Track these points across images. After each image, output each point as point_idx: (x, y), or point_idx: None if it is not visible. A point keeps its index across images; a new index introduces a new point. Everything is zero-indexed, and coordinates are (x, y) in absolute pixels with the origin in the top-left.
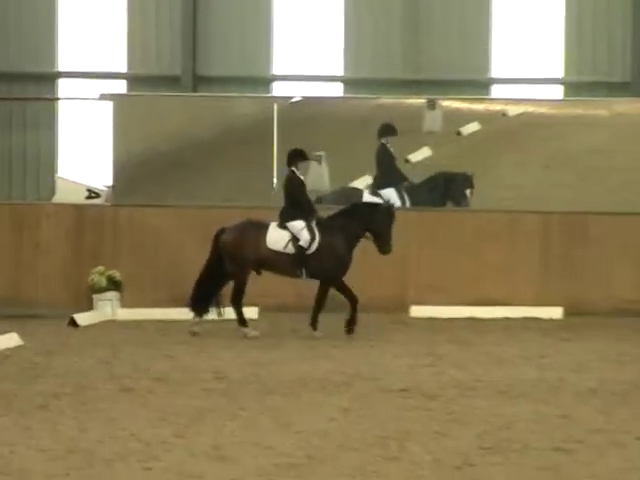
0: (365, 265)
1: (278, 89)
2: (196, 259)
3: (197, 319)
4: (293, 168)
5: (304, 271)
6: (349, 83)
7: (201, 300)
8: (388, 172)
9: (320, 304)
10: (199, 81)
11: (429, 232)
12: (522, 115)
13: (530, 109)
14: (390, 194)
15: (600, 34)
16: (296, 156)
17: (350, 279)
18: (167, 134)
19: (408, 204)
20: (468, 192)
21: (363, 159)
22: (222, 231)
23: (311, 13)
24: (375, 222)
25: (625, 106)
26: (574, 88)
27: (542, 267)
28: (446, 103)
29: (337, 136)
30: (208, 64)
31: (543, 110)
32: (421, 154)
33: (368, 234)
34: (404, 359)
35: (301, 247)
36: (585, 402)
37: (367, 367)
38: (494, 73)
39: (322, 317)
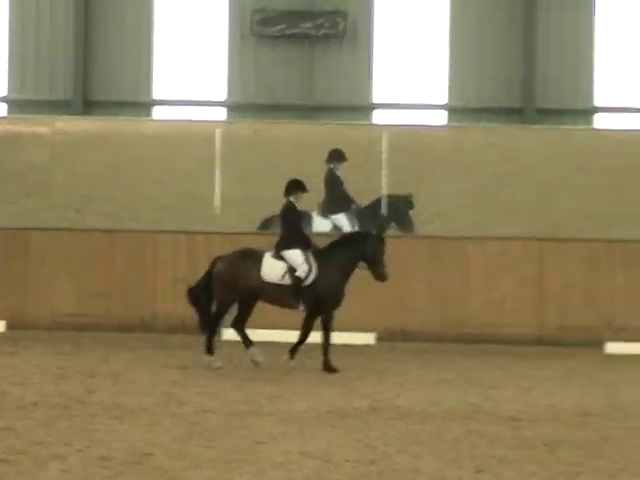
0: None
1: None
2: None
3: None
4: (291, 198)
5: (301, 302)
6: None
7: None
8: (337, 197)
9: (306, 334)
10: None
11: None
12: None
13: None
14: (341, 219)
15: (41, 54)
16: (295, 186)
17: None
18: None
19: (357, 228)
20: (410, 213)
21: None
22: (217, 260)
23: None
24: (369, 250)
25: (65, 124)
26: (17, 106)
27: None
28: None
29: None
30: None
31: None
32: None
33: (362, 263)
34: None
35: (298, 278)
36: (27, 415)
37: None
38: None
39: None
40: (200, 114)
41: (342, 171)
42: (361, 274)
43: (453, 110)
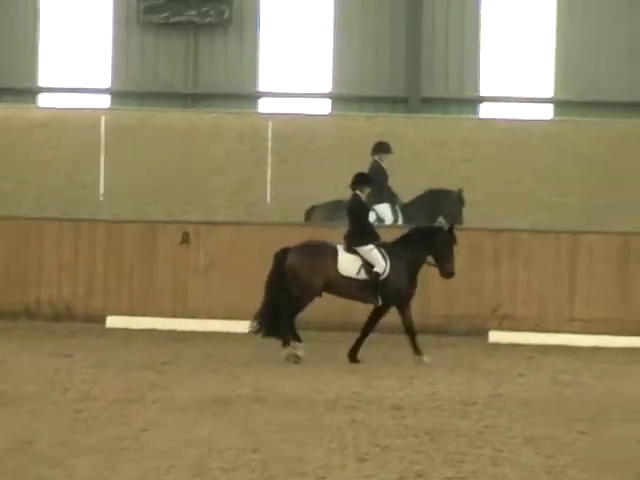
0: None
1: None
2: None
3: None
4: (358, 192)
5: (379, 297)
6: None
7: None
8: (381, 189)
9: (411, 330)
10: None
11: None
12: None
13: None
14: (384, 210)
15: None
16: (362, 181)
17: None
18: None
19: (401, 221)
20: (463, 209)
21: None
22: (284, 252)
23: None
24: (438, 245)
25: None
26: None
27: None
28: None
29: None
30: None
31: None
32: None
33: (430, 258)
34: None
35: (377, 273)
36: None
37: None
38: None
39: None
40: (86, 101)
41: (386, 163)
42: None
43: (337, 99)
